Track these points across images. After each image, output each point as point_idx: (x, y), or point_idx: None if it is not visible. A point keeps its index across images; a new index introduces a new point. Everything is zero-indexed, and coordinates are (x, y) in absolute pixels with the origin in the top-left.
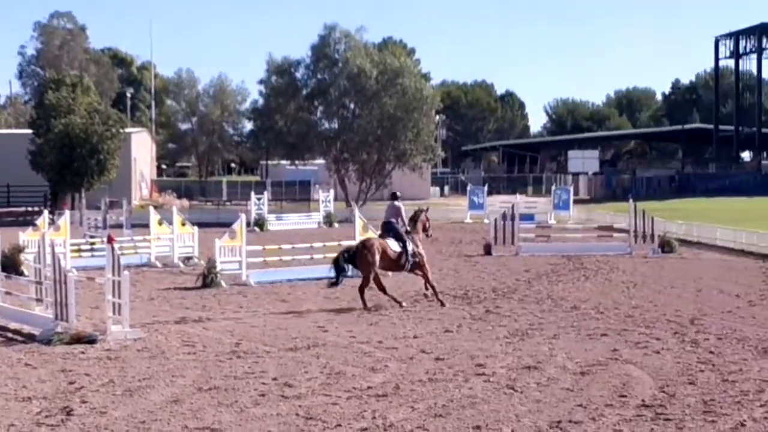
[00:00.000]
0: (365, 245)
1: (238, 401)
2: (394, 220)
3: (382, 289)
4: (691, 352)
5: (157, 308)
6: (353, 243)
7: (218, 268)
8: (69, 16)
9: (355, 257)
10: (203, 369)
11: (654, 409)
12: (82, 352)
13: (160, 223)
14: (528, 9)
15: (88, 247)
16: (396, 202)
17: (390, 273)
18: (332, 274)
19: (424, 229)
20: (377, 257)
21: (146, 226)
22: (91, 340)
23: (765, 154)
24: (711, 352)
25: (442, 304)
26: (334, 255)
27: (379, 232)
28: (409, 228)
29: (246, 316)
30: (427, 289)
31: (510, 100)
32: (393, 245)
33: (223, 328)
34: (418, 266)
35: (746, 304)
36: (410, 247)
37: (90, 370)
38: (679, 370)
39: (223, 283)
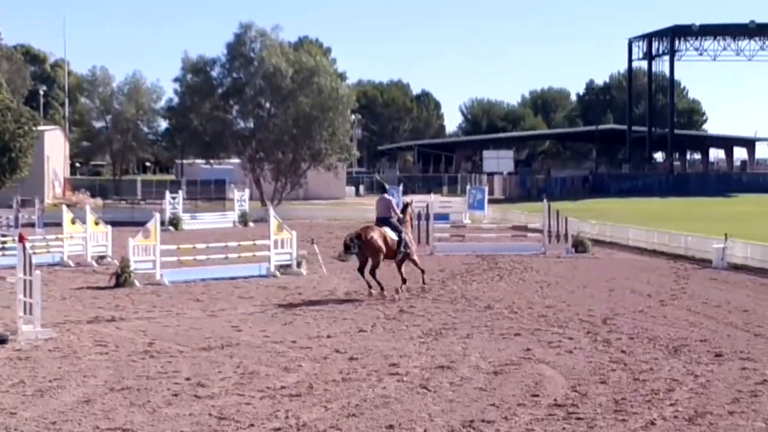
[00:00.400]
0: (371, 234)
1: (151, 401)
2: (387, 215)
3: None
4: (603, 352)
5: (70, 308)
6: (356, 230)
7: (132, 268)
8: None
9: (364, 245)
10: (115, 369)
11: (566, 408)
12: None
13: (73, 222)
14: (444, 9)
15: (0, 245)
16: (386, 195)
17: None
18: (344, 255)
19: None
20: (382, 243)
21: (59, 224)
22: (1, 340)
23: (677, 155)
24: (623, 352)
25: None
26: (343, 241)
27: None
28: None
29: (160, 316)
30: (424, 283)
31: (426, 100)
32: (391, 234)
33: (136, 328)
34: (407, 257)
35: (658, 303)
36: (405, 237)
37: (0, 370)
38: (591, 369)
39: (136, 283)
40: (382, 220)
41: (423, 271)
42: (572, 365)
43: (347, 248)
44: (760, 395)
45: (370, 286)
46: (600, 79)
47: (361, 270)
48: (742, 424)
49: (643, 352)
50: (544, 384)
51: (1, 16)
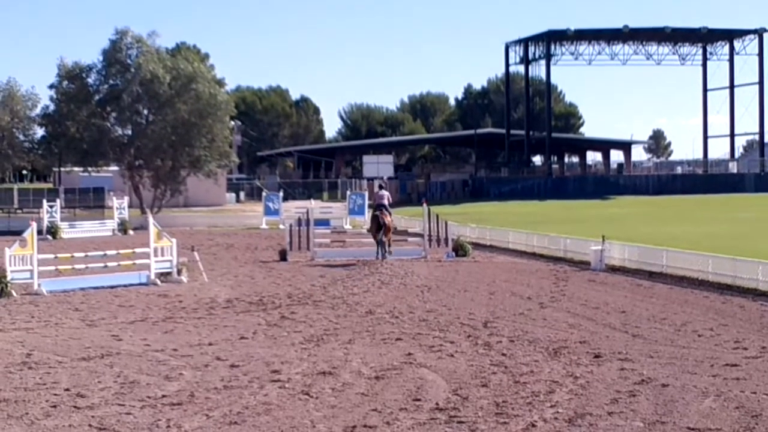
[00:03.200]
0: (387, 218)
1: (29, 413)
2: (384, 202)
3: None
4: (484, 355)
5: None
6: (373, 220)
7: (9, 278)
8: None
9: (383, 226)
10: None
11: (448, 412)
12: None
13: None
14: (323, 14)
15: None
16: (383, 191)
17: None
18: (379, 252)
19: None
20: (390, 221)
21: None
22: None
23: (555, 158)
24: (503, 355)
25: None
26: (374, 237)
27: (373, 210)
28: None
29: (38, 326)
30: (388, 251)
31: (305, 106)
32: (388, 217)
33: (13, 339)
34: (388, 231)
35: (537, 306)
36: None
37: None
38: (473, 372)
39: (13, 293)
40: (380, 206)
41: (390, 244)
42: (453, 369)
43: (378, 227)
44: (638, 395)
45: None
46: (478, 84)
47: (374, 235)
48: (621, 424)
49: (523, 355)
50: (425, 388)
51: None
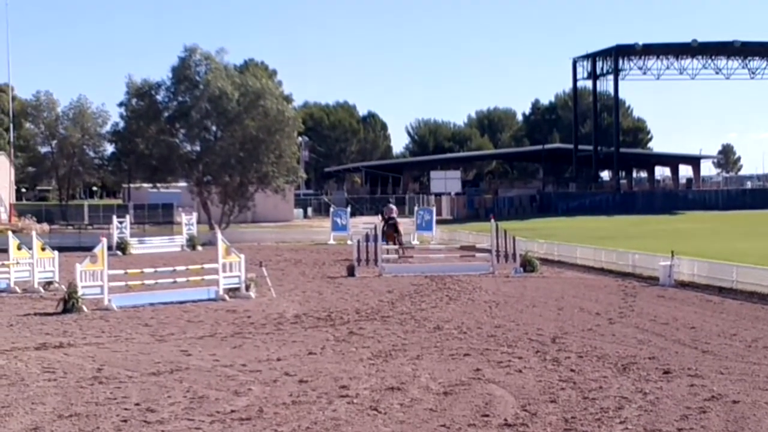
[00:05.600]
0: (396, 225)
1: (100, 428)
2: (394, 215)
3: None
4: (552, 371)
5: (17, 334)
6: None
7: (80, 293)
8: None
9: (389, 228)
10: (64, 396)
11: (516, 428)
12: None
13: (18, 248)
14: (390, 30)
15: None
16: (392, 205)
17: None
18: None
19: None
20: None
21: (4, 251)
22: None
23: (623, 173)
24: (572, 370)
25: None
26: (386, 234)
27: (385, 222)
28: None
29: (108, 342)
30: (402, 253)
31: (372, 121)
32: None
33: (84, 354)
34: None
35: (606, 322)
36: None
37: None
38: (541, 388)
39: (84, 308)
40: (392, 219)
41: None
42: (522, 384)
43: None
44: (709, 412)
45: (396, 251)
46: (546, 99)
47: (388, 241)
48: None
49: (592, 371)
50: (494, 404)
51: None
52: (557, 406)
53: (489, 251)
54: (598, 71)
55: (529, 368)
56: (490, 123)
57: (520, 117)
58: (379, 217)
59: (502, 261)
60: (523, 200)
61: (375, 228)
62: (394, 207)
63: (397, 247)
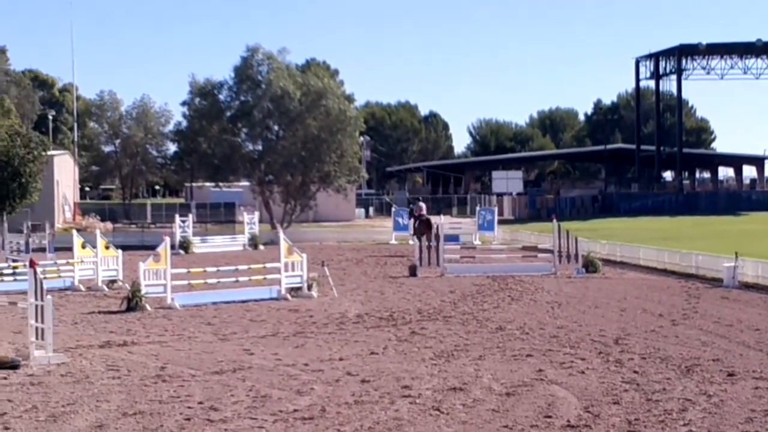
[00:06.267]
0: (430, 221)
1: (164, 426)
2: (424, 212)
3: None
4: (615, 372)
5: (81, 332)
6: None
7: (143, 292)
8: None
9: (423, 224)
10: (128, 393)
11: (579, 429)
12: (5, 378)
13: (83, 247)
14: (451, 30)
15: (11, 271)
16: (422, 203)
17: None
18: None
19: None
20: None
21: (69, 249)
22: (13, 366)
23: (686, 174)
24: (635, 372)
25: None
26: (418, 231)
27: (416, 219)
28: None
29: (171, 340)
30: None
31: (434, 121)
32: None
33: (148, 352)
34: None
35: (669, 323)
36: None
37: (13, 396)
38: (604, 389)
39: (147, 307)
40: (424, 216)
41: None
42: (585, 386)
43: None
44: None
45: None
46: (608, 99)
47: (420, 236)
48: None
49: (655, 372)
50: (556, 405)
51: (9, 41)
52: (620, 407)
53: (551, 252)
54: (661, 71)
55: (591, 369)
56: (552, 123)
57: (582, 117)
58: (410, 216)
59: (564, 261)
60: (585, 201)
61: (437, 228)
62: (423, 205)
63: (428, 243)
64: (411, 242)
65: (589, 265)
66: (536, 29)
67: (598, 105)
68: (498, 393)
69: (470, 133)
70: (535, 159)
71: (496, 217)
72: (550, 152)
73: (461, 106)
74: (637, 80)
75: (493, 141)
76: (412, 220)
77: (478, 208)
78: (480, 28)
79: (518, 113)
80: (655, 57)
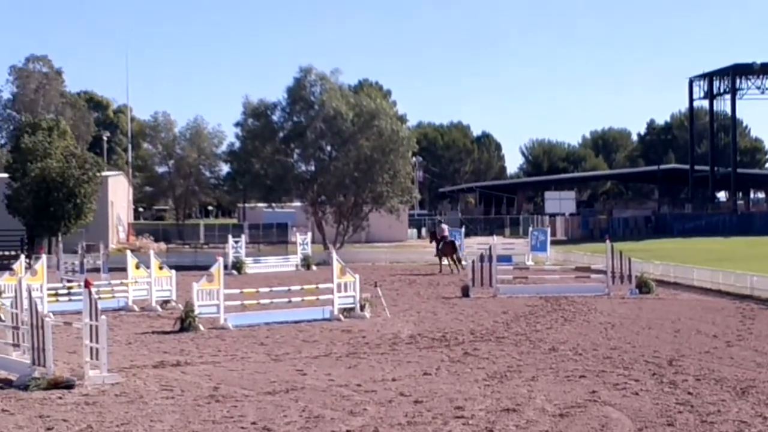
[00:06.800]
0: (454, 243)
1: None
2: (447, 234)
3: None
4: (669, 394)
5: (135, 352)
6: (449, 245)
7: (196, 312)
8: (45, 60)
9: (447, 246)
10: (182, 413)
11: None
12: (60, 398)
13: (137, 267)
14: (504, 51)
15: (65, 291)
16: (444, 225)
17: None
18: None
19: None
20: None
21: (123, 269)
22: (68, 386)
23: (740, 194)
24: (689, 393)
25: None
26: (444, 252)
27: (440, 240)
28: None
29: (224, 360)
30: (460, 270)
31: (486, 142)
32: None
33: (201, 372)
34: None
35: (724, 344)
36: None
37: (68, 415)
38: (658, 411)
39: (201, 327)
40: (446, 238)
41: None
42: (638, 407)
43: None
44: None
45: (448, 265)
46: (661, 119)
47: (443, 256)
48: None
49: (710, 394)
50: (610, 426)
51: (65, 63)
52: (674, 429)
53: (604, 272)
54: (715, 91)
55: (645, 391)
56: (604, 143)
57: (635, 137)
58: (432, 237)
59: (617, 282)
60: (638, 221)
61: (490, 249)
62: (445, 226)
63: (450, 263)
64: (464, 263)
65: (643, 286)
66: (590, 49)
67: (651, 125)
68: (551, 414)
69: (523, 154)
70: (588, 179)
71: (549, 238)
72: (603, 173)
73: (514, 127)
74: (691, 100)
75: (546, 161)
76: (434, 242)
77: (530, 229)
78: (533, 49)
79: (571, 133)
80: (709, 77)
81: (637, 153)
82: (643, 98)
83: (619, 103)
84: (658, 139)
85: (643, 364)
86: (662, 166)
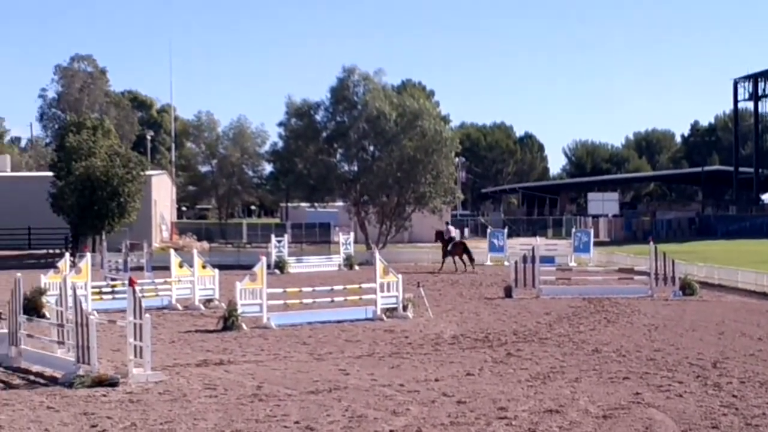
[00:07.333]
0: (463, 243)
1: None
2: (454, 234)
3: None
4: (713, 396)
5: (179, 351)
6: (458, 246)
7: (239, 311)
8: (89, 60)
9: (459, 247)
10: (225, 412)
11: None
12: (104, 395)
13: (180, 266)
14: (547, 51)
15: (109, 289)
16: (451, 226)
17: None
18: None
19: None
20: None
21: (167, 268)
22: (112, 383)
23: None
24: (734, 396)
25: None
26: (455, 253)
27: (448, 242)
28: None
29: (267, 359)
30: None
31: (529, 142)
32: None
33: (244, 371)
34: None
35: None
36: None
37: (112, 413)
38: (702, 413)
39: (244, 326)
40: (454, 239)
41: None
42: (682, 409)
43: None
44: None
45: (454, 263)
46: (705, 120)
47: (453, 256)
48: None
49: (755, 397)
50: (654, 428)
51: (109, 63)
52: (719, 431)
53: (647, 274)
54: (760, 92)
55: (689, 393)
56: (648, 144)
57: (678, 138)
58: (437, 237)
59: (660, 284)
60: (682, 223)
61: (532, 250)
62: (452, 227)
63: (462, 262)
64: (506, 263)
65: (686, 288)
66: (632, 51)
67: (695, 126)
68: (595, 416)
69: (566, 155)
70: (631, 181)
71: (592, 239)
72: (647, 174)
73: (557, 128)
74: (735, 101)
75: (589, 162)
76: (441, 243)
77: (573, 230)
78: (575, 50)
79: (614, 135)
80: (754, 78)
81: (680, 154)
82: (687, 99)
83: (663, 104)
84: (702, 141)
85: (687, 366)
86: (706, 168)
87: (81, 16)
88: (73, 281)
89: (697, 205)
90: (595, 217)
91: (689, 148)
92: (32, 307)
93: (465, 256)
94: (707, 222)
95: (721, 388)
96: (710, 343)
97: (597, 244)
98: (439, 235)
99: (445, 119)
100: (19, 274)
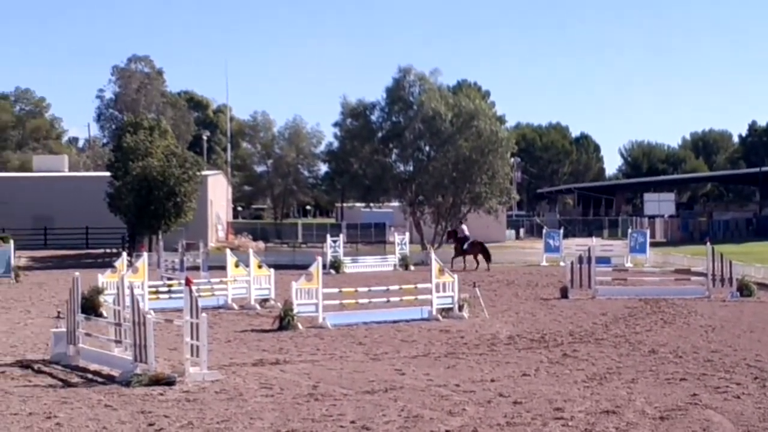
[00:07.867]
0: (480, 242)
1: None
2: (468, 233)
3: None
4: None
5: (235, 350)
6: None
7: (295, 311)
8: (146, 60)
9: (476, 246)
10: (281, 411)
11: None
12: (161, 394)
13: (236, 266)
14: (603, 52)
15: (166, 289)
16: (464, 226)
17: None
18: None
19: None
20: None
21: (223, 268)
22: (169, 382)
23: None
24: None
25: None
26: (470, 252)
27: (462, 241)
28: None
29: (323, 359)
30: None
31: (585, 143)
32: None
33: (300, 371)
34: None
35: None
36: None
37: (169, 411)
38: (760, 415)
39: (299, 326)
40: (469, 239)
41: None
42: (740, 411)
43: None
44: None
45: (476, 262)
46: (763, 120)
47: (469, 255)
48: None
49: None
50: (711, 430)
51: (166, 63)
52: None
53: (704, 275)
54: None
55: (747, 395)
56: (705, 145)
57: (736, 139)
58: (450, 235)
59: (717, 285)
60: (739, 224)
61: (588, 250)
62: (465, 227)
63: (472, 261)
64: (562, 264)
65: (744, 289)
66: (689, 52)
67: (753, 126)
68: (651, 417)
69: (622, 155)
70: (688, 181)
71: (648, 240)
72: (703, 174)
73: (613, 128)
74: None
75: (645, 163)
76: (454, 242)
77: (629, 231)
78: (632, 51)
79: (671, 135)
80: None
81: (738, 155)
82: (745, 99)
83: (720, 105)
84: (760, 141)
85: (745, 367)
86: (764, 168)
87: (138, 18)
88: (130, 280)
89: (754, 206)
90: (652, 217)
91: (747, 148)
92: (90, 306)
93: (480, 255)
94: (765, 223)
95: None
96: None
97: (653, 244)
98: (452, 235)
99: (501, 119)
100: (77, 274)
